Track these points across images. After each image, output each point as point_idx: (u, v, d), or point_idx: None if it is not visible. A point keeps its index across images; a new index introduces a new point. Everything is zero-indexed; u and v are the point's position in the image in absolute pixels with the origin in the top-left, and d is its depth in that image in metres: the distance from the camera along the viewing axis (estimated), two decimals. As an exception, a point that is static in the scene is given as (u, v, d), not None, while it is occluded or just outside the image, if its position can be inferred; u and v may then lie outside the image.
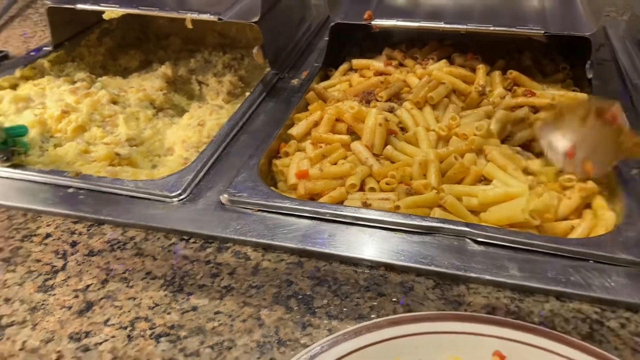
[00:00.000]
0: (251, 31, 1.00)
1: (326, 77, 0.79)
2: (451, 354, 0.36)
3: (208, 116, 0.75)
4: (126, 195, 0.53)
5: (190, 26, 0.79)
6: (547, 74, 0.75)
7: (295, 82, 0.76)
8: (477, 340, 0.36)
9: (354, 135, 0.61)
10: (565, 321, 0.39)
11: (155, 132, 0.74)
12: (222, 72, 0.94)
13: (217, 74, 0.92)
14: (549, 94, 0.66)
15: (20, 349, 0.38)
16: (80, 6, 0.79)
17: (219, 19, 0.74)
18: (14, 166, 0.57)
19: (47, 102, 0.73)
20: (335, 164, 0.56)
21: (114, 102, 0.75)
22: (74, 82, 0.80)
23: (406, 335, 0.36)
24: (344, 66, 0.80)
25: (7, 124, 0.62)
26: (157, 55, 0.99)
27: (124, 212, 0.51)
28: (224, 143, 0.61)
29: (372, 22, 0.73)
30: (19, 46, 0.93)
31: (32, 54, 0.87)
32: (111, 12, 0.79)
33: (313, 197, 0.54)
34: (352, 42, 0.81)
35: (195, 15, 0.76)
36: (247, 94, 0.78)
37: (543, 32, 0.68)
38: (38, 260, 0.46)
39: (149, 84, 0.82)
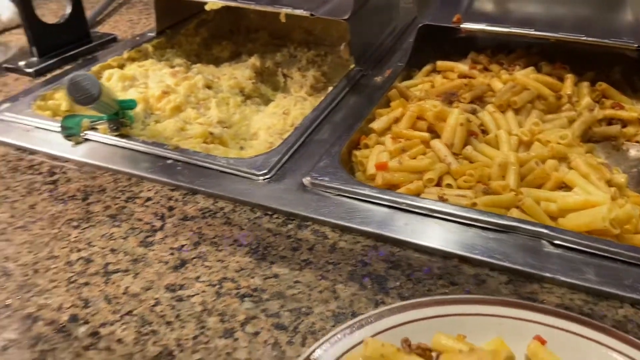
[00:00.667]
0: (336, 30, 1.03)
1: (408, 77, 0.81)
2: (494, 335, 0.37)
3: (292, 106, 0.79)
4: (217, 170, 0.57)
5: (283, 20, 0.83)
6: (637, 89, 0.73)
7: (378, 79, 0.78)
8: (521, 324, 0.37)
9: (434, 134, 0.63)
10: (638, 327, 0.39)
11: (243, 117, 0.78)
12: (306, 67, 0.98)
13: (301, 69, 0.96)
14: (638, 109, 0.65)
15: (124, 293, 0.43)
16: (182, -4, 0.85)
17: (311, 15, 0.78)
18: (121, 136, 0.63)
19: (149, 83, 0.80)
20: (414, 159, 0.58)
21: (208, 87, 0.81)
22: (172, 67, 0.87)
23: (451, 314, 0.38)
24: (427, 67, 0.81)
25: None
26: (246, 47, 1.04)
27: (215, 184, 0.55)
28: (307, 131, 0.64)
29: (461, 26, 0.74)
30: (126, 30, 1.01)
31: (137, 38, 0.95)
32: (212, 4, 0.85)
33: (390, 188, 0.56)
34: (437, 44, 0.82)
35: (289, 10, 0.80)
36: (330, 88, 0.81)
37: (636, 45, 0.67)
38: (140, 220, 0.51)
39: (239, 73, 0.87)
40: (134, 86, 0.79)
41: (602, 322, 0.38)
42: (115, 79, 0.79)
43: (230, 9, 1.03)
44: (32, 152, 0.62)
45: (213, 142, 0.66)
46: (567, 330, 0.37)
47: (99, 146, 0.62)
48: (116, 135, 0.63)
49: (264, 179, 0.56)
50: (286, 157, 0.59)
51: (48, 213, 0.52)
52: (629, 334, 0.36)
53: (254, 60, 0.93)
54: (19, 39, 0.97)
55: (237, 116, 0.78)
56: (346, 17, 0.76)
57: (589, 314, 0.40)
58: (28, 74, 0.81)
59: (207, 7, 0.86)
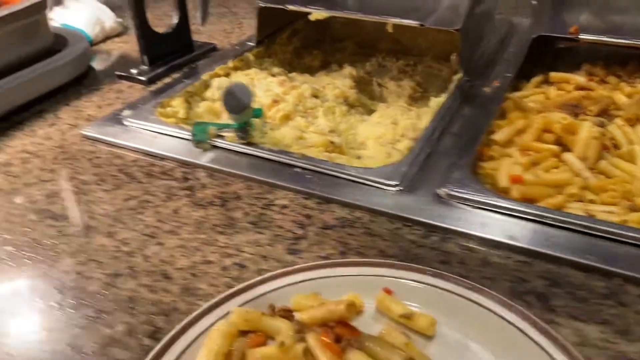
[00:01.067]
0: (425, 40, 1.03)
1: (517, 89, 0.79)
2: (350, 292, 0.43)
3: (399, 116, 0.79)
4: (347, 179, 0.58)
5: (391, 31, 0.83)
6: None
7: (487, 90, 0.77)
8: (375, 280, 0.44)
9: (562, 146, 0.61)
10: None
11: (349, 126, 0.79)
12: (398, 76, 0.98)
13: (394, 78, 0.96)
14: None
15: (282, 300, 0.44)
16: (290, 7, 0.87)
17: (421, 25, 0.78)
18: (247, 143, 0.64)
19: (257, 91, 0.82)
20: (547, 172, 0.57)
21: (315, 96, 0.82)
22: (273, 75, 0.88)
23: (311, 279, 0.44)
24: (537, 78, 0.80)
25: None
26: (335, 57, 1.05)
27: (347, 194, 0.56)
28: (429, 142, 0.64)
29: (579, 37, 0.72)
30: (222, 40, 1.03)
31: (236, 47, 0.97)
32: (317, 14, 0.86)
33: (526, 202, 0.55)
34: (548, 55, 0.81)
35: (397, 21, 0.80)
36: (436, 99, 0.81)
37: None
38: (280, 227, 0.52)
39: (339, 82, 0.88)
40: (242, 94, 0.81)
41: None
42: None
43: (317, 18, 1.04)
44: (162, 157, 0.64)
45: (334, 151, 0.67)
46: (410, 280, 0.43)
47: (226, 153, 0.64)
48: (244, 143, 0.64)
49: (395, 190, 0.56)
50: (414, 168, 0.59)
51: (192, 218, 0.54)
52: None
53: (351, 70, 0.94)
54: (120, 47, 1.01)
55: (344, 125, 0.78)
56: (457, 27, 0.76)
57: None
58: (141, 82, 0.84)
59: (311, 17, 0.87)
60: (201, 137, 0.65)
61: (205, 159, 0.63)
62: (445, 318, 0.40)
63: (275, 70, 0.92)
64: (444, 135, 0.66)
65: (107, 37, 1.04)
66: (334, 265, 0.45)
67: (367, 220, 0.53)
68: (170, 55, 0.91)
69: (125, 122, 0.71)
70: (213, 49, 0.98)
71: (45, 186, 0.59)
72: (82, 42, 0.88)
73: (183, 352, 0.38)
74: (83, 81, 0.86)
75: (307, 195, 0.57)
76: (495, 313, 0.40)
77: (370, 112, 0.86)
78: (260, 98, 0.80)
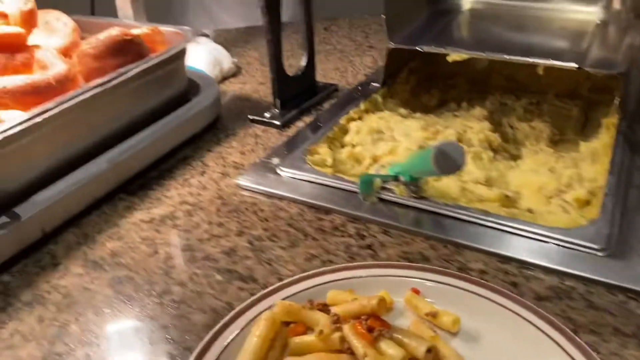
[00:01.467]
0: (546, 77, 0.98)
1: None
2: (381, 290, 0.48)
3: (554, 163, 0.74)
4: (539, 240, 0.54)
5: (541, 73, 0.80)
6: None
7: (653, 137, 0.72)
8: (405, 281, 0.49)
9: None
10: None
11: (499, 174, 0.75)
12: (525, 116, 0.93)
13: (521, 119, 0.92)
14: None
15: None
16: (426, 48, 0.84)
17: (578, 68, 0.74)
18: (419, 197, 0.61)
19: (396, 135, 0.79)
20: None
21: (459, 141, 0.78)
22: (404, 117, 0.86)
23: (345, 278, 0.49)
24: None
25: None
26: (450, 95, 1.02)
27: (550, 258, 0.52)
28: (618, 198, 0.59)
29: None
30: (339, 79, 1.02)
31: (359, 88, 0.95)
32: (457, 55, 0.83)
33: None
34: None
35: (550, 63, 0.76)
36: (585, 143, 0.76)
37: None
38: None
39: (476, 125, 0.84)
40: (383, 139, 0.79)
41: None
42: (365, 132, 0.79)
43: (430, 56, 1.02)
44: (328, 210, 0.62)
45: (507, 206, 0.63)
46: (437, 282, 0.48)
47: (395, 207, 0.61)
48: (413, 197, 0.61)
49: (602, 254, 0.51)
50: (615, 228, 0.54)
51: (387, 283, 0.51)
52: None
53: (481, 111, 0.90)
54: (239, 88, 1.01)
55: (494, 173, 0.74)
56: (622, 70, 0.72)
57: None
58: (275, 126, 0.83)
59: (449, 59, 0.85)
60: (368, 190, 0.62)
61: (374, 213, 0.60)
62: (467, 316, 0.45)
63: (402, 111, 0.90)
64: (628, 189, 0.61)
65: (224, 78, 1.05)
66: (366, 266, 0.51)
67: (583, 290, 0.48)
68: (298, 97, 0.90)
69: (279, 172, 0.69)
70: (335, 89, 0.96)
71: (220, 242, 0.58)
72: (214, 86, 0.88)
73: (235, 337, 0.44)
74: (216, 124, 0.85)
75: (503, 259, 0.53)
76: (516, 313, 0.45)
77: (513, 157, 0.81)
78: (402, 143, 0.77)
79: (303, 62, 0.91)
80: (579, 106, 0.94)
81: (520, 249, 0.53)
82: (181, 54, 0.81)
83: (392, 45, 0.88)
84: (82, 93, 0.63)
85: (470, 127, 0.82)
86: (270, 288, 0.48)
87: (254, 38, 1.28)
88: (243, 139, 0.80)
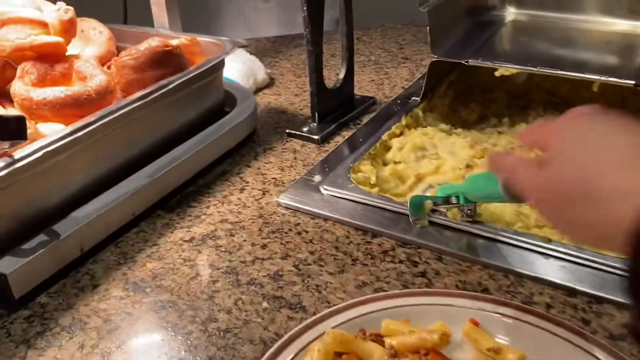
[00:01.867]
0: (587, 91, 0.94)
1: None
2: (437, 321, 0.45)
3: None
4: (607, 272, 0.50)
5: (595, 90, 0.76)
6: None
7: None
8: (461, 311, 0.45)
9: None
10: None
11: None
12: (569, 132, 0.89)
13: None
14: None
15: None
16: (472, 62, 0.81)
17: (636, 86, 0.70)
18: (474, 222, 0.58)
19: (440, 153, 0.76)
20: None
21: (508, 160, 0.75)
22: (449, 133, 0.82)
23: (399, 306, 0.46)
24: None
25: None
26: (490, 109, 0.99)
27: (617, 290, 0.48)
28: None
29: None
30: (375, 92, 0.99)
31: (397, 102, 0.92)
32: (504, 70, 0.80)
33: None
34: None
35: (606, 79, 0.72)
36: None
37: None
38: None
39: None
40: (426, 157, 0.76)
41: None
42: (408, 148, 0.76)
43: (468, 69, 0.99)
44: (376, 234, 0.59)
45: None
46: (497, 313, 0.45)
47: (445, 231, 0.57)
48: (467, 221, 0.58)
49: (680, 290, 0.48)
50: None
51: (447, 316, 0.47)
52: None
53: (526, 128, 0.87)
54: (274, 100, 0.98)
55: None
56: (686, 88, 0.68)
57: None
58: (314, 141, 0.80)
59: (497, 74, 0.81)
60: (418, 213, 0.59)
61: (428, 238, 0.57)
62: (533, 354, 0.42)
63: (443, 126, 0.87)
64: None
65: (258, 89, 1.03)
66: (421, 294, 0.48)
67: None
68: (335, 110, 0.87)
69: (321, 190, 0.66)
70: (373, 103, 0.94)
71: (265, 265, 0.55)
72: (250, 98, 0.85)
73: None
74: (252, 138, 0.83)
75: (571, 292, 0.49)
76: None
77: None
78: (446, 161, 0.74)
79: (341, 74, 0.88)
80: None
81: (588, 281, 0.49)
82: (220, 65, 0.79)
83: (435, 57, 0.85)
84: (124, 106, 0.61)
85: (519, 145, 0.79)
86: (321, 314, 0.45)
87: (286, 48, 1.26)
88: (281, 154, 0.77)
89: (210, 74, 0.77)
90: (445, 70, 0.97)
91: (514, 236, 0.55)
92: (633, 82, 0.70)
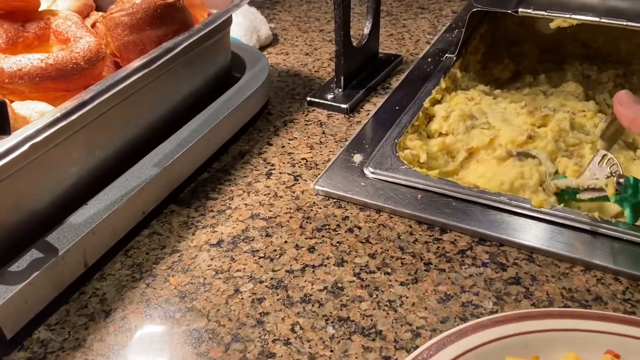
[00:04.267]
0: (628, 44, 0.85)
1: None
2: (566, 351, 0.35)
3: (688, 155, 0.62)
4: None
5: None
6: None
7: None
8: (593, 337, 0.36)
9: None
10: None
11: (622, 168, 0.62)
12: (615, 91, 0.80)
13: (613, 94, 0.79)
14: None
15: None
16: (522, 12, 0.70)
17: None
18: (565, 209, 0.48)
19: (492, 121, 0.65)
20: None
21: (572, 128, 0.65)
22: (487, 95, 0.72)
23: (515, 334, 0.36)
24: None
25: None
26: (522, 65, 0.88)
27: None
28: None
29: None
30: (398, 48, 0.87)
31: (428, 60, 0.80)
32: (562, 21, 0.69)
33: None
34: None
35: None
36: None
37: None
38: None
39: (581, 106, 0.71)
40: (476, 126, 0.65)
41: None
42: (455, 117, 0.65)
43: (498, 20, 0.87)
44: (443, 227, 0.49)
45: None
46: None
47: (529, 221, 0.48)
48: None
49: None
50: None
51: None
52: None
53: (576, 87, 0.77)
54: (283, 60, 0.85)
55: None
56: None
57: None
58: (342, 111, 0.69)
59: (552, 25, 0.70)
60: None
61: (511, 232, 0.47)
62: None
63: (482, 88, 0.76)
64: None
65: (261, 48, 0.89)
66: (542, 316, 0.37)
67: None
68: (359, 72, 0.75)
69: (368, 174, 0.55)
70: (400, 61, 0.82)
71: (318, 275, 0.44)
72: (262, 59, 0.72)
73: None
74: (267, 108, 0.70)
75: (699, 298, 0.41)
76: None
77: (628, 146, 0.68)
78: (502, 131, 0.63)
79: (366, 28, 0.75)
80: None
81: None
82: (228, 21, 0.65)
83: (479, 6, 0.73)
84: (125, 78, 0.48)
85: (580, 110, 0.69)
86: (418, 353, 0.35)
87: (284, -2, 1.11)
88: (306, 128, 0.66)
89: (217, 32, 0.63)
90: (475, 22, 0.86)
91: (616, 227, 0.46)
92: None
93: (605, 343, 0.35)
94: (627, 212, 0.46)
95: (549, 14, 0.69)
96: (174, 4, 0.56)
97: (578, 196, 0.50)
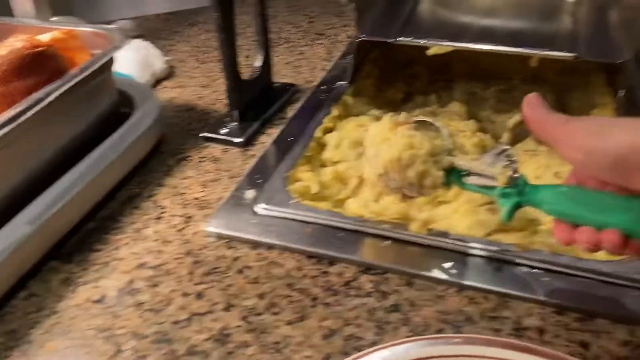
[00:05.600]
0: (509, 61, 0.91)
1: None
2: None
3: (557, 167, 0.67)
4: (601, 281, 0.45)
5: (535, 65, 0.71)
6: None
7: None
8: None
9: None
10: None
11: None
12: (498, 106, 0.86)
13: (495, 109, 0.85)
14: None
15: None
16: (402, 41, 0.73)
17: (576, 58, 0.66)
18: (437, 233, 0.51)
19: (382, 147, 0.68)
20: None
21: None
22: (378, 120, 0.75)
23: None
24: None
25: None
26: (414, 86, 0.93)
27: (610, 305, 0.44)
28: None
29: None
30: (294, 76, 0.89)
31: (322, 87, 0.82)
32: (437, 48, 0.73)
33: None
34: None
35: (546, 53, 0.68)
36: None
37: None
38: None
39: (462, 125, 0.75)
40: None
41: None
42: (346, 145, 0.67)
43: (389, 46, 0.91)
44: (332, 260, 0.50)
45: (530, 235, 0.54)
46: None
47: (406, 247, 0.50)
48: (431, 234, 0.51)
49: (668, 289, 0.44)
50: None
51: None
52: None
53: (460, 106, 0.82)
54: (179, 94, 0.84)
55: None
56: (626, 59, 0.65)
57: None
58: (237, 145, 0.69)
59: (428, 53, 0.74)
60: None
61: (389, 258, 0.49)
62: None
63: (374, 112, 0.79)
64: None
65: (156, 82, 0.87)
66: (403, 343, 0.38)
67: (661, 342, 0.41)
68: (254, 104, 0.76)
69: (258, 210, 0.55)
70: (296, 91, 0.83)
71: (205, 324, 0.44)
72: (151, 96, 0.71)
73: None
74: (160, 146, 0.69)
75: (559, 309, 0.44)
76: None
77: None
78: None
79: (258, 61, 0.76)
80: (550, 92, 0.88)
81: (577, 293, 0.45)
82: (108, 63, 0.64)
83: (362, 37, 0.76)
84: (-15, 136, 0.45)
85: (460, 130, 0.73)
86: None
87: (182, 26, 1.10)
88: (199, 165, 0.65)
89: (97, 75, 0.62)
90: (366, 48, 0.89)
91: (482, 245, 0.49)
92: (574, 54, 0.66)
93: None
94: (505, 209, 0.43)
95: (426, 42, 0.73)
96: (43, 52, 0.54)
97: (465, 179, 0.48)
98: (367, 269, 0.49)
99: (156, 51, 0.90)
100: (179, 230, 0.54)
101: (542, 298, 0.45)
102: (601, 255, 0.51)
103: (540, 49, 0.68)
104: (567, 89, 0.87)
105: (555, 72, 0.88)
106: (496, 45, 0.70)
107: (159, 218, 0.56)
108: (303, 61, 0.94)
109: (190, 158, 0.67)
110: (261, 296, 0.46)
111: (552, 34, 0.76)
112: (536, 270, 0.47)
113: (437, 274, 0.47)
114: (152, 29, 1.09)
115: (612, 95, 0.70)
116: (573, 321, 0.43)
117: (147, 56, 0.87)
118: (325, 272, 0.49)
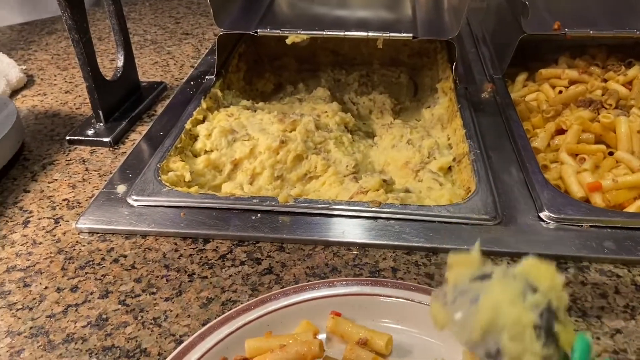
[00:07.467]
0: (366, 47, 1.00)
1: (504, 89, 0.81)
2: (300, 320, 0.42)
3: (410, 135, 0.75)
4: (440, 222, 0.53)
5: (380, 46, 0.79)
6: None
7: (486, 95, 0.77)
8: (318, 303, 0.42)
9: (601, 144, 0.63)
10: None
11: (362, 155, 0.73)
12: (361, 89, 0.94)
13: (358, 92, 0.93)
14: None
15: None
16: (261, 32, 0.77)
17: (414, 38, 0.75)
18: (299, 200, 0.55)
19: (251, 133, 0.71)
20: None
21: (317, 128, 0.74)
22: (247, 109, 0.78)
23: (256, 318, 0.41)
24: (522, 77, 0.82)
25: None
26: (283, 77, 0.99)
27: (451, 239, 0.51)
28: (483, 162, 0.61)
29: (566, 32, 0.75)
30: (163, 75, 0.89)
31: (191, 83, 0.84)
32: (294, 37, 0.78)
33: (612, 208, 0.55)
34: (526, 54, 0.83)
35: (389, 35, 0.76)
36: (427, 109, 0.79)
37: None
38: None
39: (324, 106, 0.81)
40: (237, 139, 0.70)
41: None
42: (217, 134, 0.70)
43: (255, 39, 0.95)
44: (206, 238, 0.52)
45: (387, 191, 0.61)
46: (361, 295, 0.43)
47: (278, 217, 0.54)
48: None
49: (495, 223, 0.53)
50: (494, 194, 0.56)
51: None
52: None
53: (324, 91, 0.88)
54: (39, 102, 0.81)
55: (358, 155, 0.72)
56: (452, 35, 0.74)
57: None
58: (105, 145, 0.68)
59: (287, 41, 0.79)
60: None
61: (264, 229, 0.53)
62: (396, 325, 0.42)
63: (245, 103, 0.83)
64: (486, 150, 0.64)
65: (13, 92, 0.84)
66: (272, 298, 0.42)
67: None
68: (122, 104, 0.76)
69: (130, 202, 0.56)
70: (164, 88, 0.84)
71: (81, 312, 0.44)
72: (8, 105, 0.69)
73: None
74: (23, 154, 0.67)
75: (408, 250, 0.50)
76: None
77: (368, 135, 0.81)
78: (261, 140, 0.70)
79: (120, 61, 0.76)
80: (404, 72, 0.98)
81: (422, 235, 0.51)
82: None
83: (223, 31, 0.78)
84: None
85: (323, 111, 0.79)
86: (171, 357, 0.38)
87: (38, 36, 1.06)
88: (67, 168, 0.64)
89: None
90: (233, 42, 0.92)
91: (347, 207, 0.55)
92: (411, 35, 0.75)
93: (330, 305, 0.42)
94: None
95: (283, 31, 0.77)
96: None
97: None
98: (240, 241, 0.52)
99: (9, 60, 0.86)
100: (49, 232, 0.54)
101: (394, 243, 0.51)
102: (442, 200, 0.59)
103: (384, 32, 0.76)
104: (419, 69, 0.97)
105: (408, 55, 0.98)
106: (346, 31, 0.77)
107: (26, 222, 0.55)
108: (171, 60, 0.95)
109: (57, 162, 0.65)
110: (138, 280, 0.48)
111: (395, 20, 0.84)
112: (390, 220, 0.53)
113: (304, 235, 0.52)
114: (6, 40, 1.04)
115: (451, 69, 0.79)
116: (420, 258, 0.50)
117: (0, 66, 0.82)
118: (201, 250, 0.51)
